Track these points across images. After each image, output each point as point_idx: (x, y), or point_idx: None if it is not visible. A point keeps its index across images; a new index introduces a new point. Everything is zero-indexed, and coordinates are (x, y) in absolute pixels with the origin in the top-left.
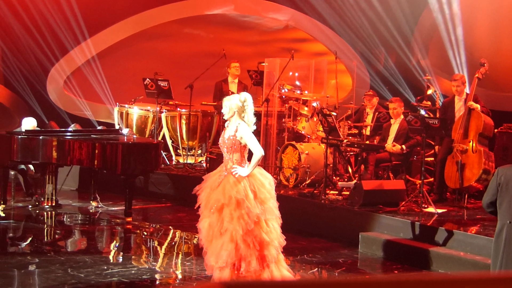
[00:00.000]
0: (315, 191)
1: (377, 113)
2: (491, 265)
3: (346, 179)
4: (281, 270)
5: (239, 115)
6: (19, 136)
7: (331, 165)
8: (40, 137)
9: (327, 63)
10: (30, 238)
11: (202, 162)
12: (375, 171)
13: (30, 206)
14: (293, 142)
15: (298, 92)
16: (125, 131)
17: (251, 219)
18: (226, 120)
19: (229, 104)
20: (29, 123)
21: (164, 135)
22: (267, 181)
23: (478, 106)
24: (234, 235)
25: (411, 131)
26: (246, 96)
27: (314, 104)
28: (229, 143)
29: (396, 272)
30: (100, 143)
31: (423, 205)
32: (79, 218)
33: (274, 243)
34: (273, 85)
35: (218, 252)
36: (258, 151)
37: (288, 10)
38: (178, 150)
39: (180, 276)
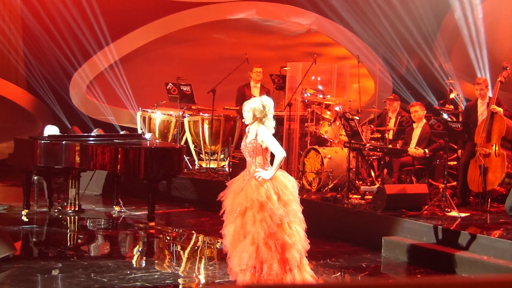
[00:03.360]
0: (338, 196)
1: (399, 117)
2: None
3: (368, 183)
4: (304, 275)
5: (260, 120)
6: (42, 141)
7: (353, 169)
8: (63, 142)
9: (349, 67)
10: (54, 243)
11: (225, 166)
12: (398, 175)
13: (54, 210)
14: (316, 146)
15: (321, 96)
16: (147, 135)
17: (274, 221)
18: (247, 125)
19: (251, 108)
20: (51, 131)
21: (186, 140)
22: (290, 183)
23: (501, 109)
24: (256, 237)
25: (433, 135)
26: (268, 101)
27: (337, 108)
28: (250, 147)
29: (419, 276)
30: (123, 148)
31: (446, 209)
32: (102, 222)
33: (297, 246)
34: (296, 89)
35: (240, 255)
36: (280, 153)
37: (310, 14)
38: (200, 155)
39: (203, 281)
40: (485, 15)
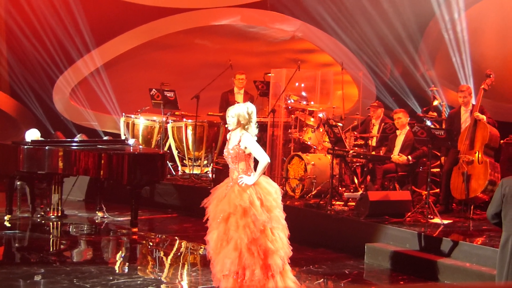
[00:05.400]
0: (321, 202)
1: (383, 124)
2: (496, 276)
3: (352, 190)
4: (287, 281)
5: (243, 126)
6: (25, 146)
7: (337, 176)
8: (46, 147)
9: (333, 74)
10: (36, 249)
11: (208, 172)
12: (381, 182)
13: (37, 216)
14: (299, 153)
15: (304, 102)
16: (131, 141)
17: (256, 227)
18: (230, 131)
19: (236, 114)
20: (32, 135)
21: (170, 146)
22: (273, 189)
23: (484, 117)
24: (239, 243)
25: (417, 142)
26: (253, 108)
27: (320, 115)
28: (233, 153)
29: (402, 283)
30: (106, 154)
31: (429, 216)
32: (85, 228)
33: (280, 252)
34: (279, 96)
35: (222, 260)
36: (264, 159)
37: (294, 21)
38: (184, 161)
39: (186, 287)
40: (469, 23)
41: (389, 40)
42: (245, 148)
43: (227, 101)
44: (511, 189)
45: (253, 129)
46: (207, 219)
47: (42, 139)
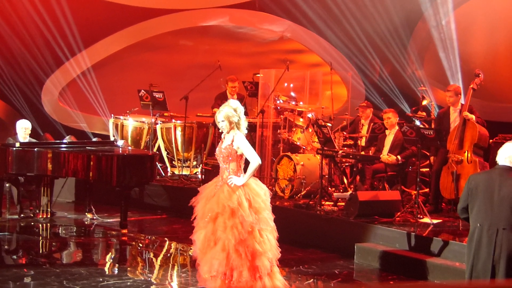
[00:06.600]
0: (310, 202)
1: (372, 124)
2: (466, 270)
3: (341, 190)
4: (275, 282)
5: (236, 125)
6: (14, 148)
7: (326, 176)
8: (35, 149)
9: (322, 74)
10: (26, 251)
11: (197, 173)
12: (371, 182)
13: (26, 218)
14: (289, 153)
15: (293, 103)
16: (120, 142)
17: (244, 228)
18: (221, 132)
19: (225, 117)
20: (23, 125)
21: (159, 147)
22: (262, 191)
23: (473, 116)
24: (227, 244)
25: (406, 141)
26: (235, 103)
27: (309, 115)
28: (225, 152)
29: (391, 282)
30: (95, 155)
31: (418, 216)
32: (74, 230)
33: (268, 254)
34: (268, 96)
35: (210, 261)
36: (255, 160)
37: (283, 21)
38: (173, 162)
39: None
40: (458, 22)
41: (378, 40)
42: (238, 148)
43: (220, 105)
44: (477, 183)
45: (243, 123)
46: (195, 218)
47: (33, 140)
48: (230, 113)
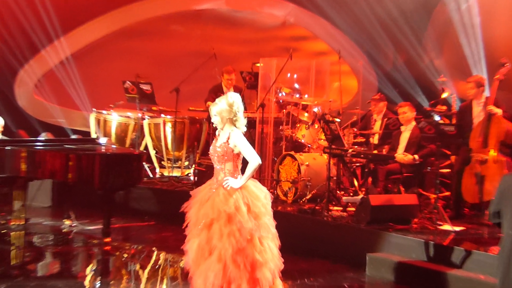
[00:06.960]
0: (316, 207)
1: (385, 119)
2: (497, 284)
3: (351, 194)
4: None
5: (231, 120)
6: None
7: (334, 178)
8: (7, 148)
9: (329, 63)
10: None
11: (190, 175)
12: (384, 184)
13: None
14: (292, 152)
15: (297, 96)
16: (103, 140)
17: (243, 236)
18: (216, 128)
19: (218, 112)
20: None
21: (146, 145)
22: (262, 194)
23: (500, 110)
24: (223, 254)
25: (424, 139)
26: (234, 97)
27: (315, 110)
28: (220, 151)
29: None
30: (75, 154)
31: (438, 222)
32: (51, 238)
33: (269, 265)
34: (269, 89)
35: (205, 274)
36: (255, 160)
37: (286, 4)
38: (162, 162)
39: None
40: (481, 5)
41: (392, 25)
42: (234, 146)
43: (215, 99)
44: (510, 185)
45: (242, 121)
46: (187, 226)
47: (4, 137)
48: (224, 108)
